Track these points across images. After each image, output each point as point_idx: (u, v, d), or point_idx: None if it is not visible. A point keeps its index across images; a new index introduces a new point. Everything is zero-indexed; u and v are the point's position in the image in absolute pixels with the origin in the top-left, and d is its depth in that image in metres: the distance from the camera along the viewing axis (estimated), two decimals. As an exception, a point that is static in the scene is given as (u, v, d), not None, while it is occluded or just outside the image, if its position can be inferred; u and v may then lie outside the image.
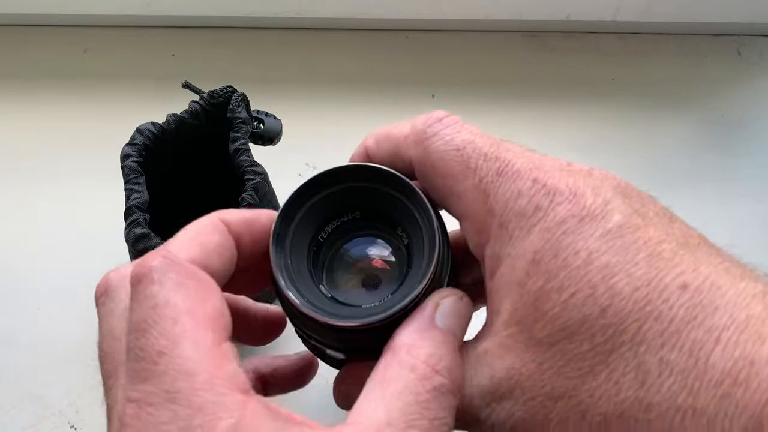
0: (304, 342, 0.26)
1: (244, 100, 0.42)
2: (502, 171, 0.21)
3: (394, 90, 0.61)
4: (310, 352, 0.27)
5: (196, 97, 0.42)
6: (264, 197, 0.40)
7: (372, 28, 0.64)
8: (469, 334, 0.23)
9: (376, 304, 0.23)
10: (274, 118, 0.46)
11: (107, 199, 0.43)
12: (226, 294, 0.22)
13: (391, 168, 0.24)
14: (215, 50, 0.63)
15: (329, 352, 0.24)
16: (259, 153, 0.41)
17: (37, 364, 0.47)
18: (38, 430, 0.45)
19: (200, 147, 0.43)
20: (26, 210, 0.55)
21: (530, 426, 0.20)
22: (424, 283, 0.21)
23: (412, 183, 0.23)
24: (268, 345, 0.29)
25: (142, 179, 0.38)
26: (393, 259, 0.25)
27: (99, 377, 0.21)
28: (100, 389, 0.21)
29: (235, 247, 0.23)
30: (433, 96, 0.61)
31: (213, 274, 0.22)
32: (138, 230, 0.36)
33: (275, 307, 0.28)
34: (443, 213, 0.24)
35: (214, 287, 0.21)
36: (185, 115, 0.41)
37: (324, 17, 0.63)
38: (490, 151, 0.22)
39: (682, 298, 0.18)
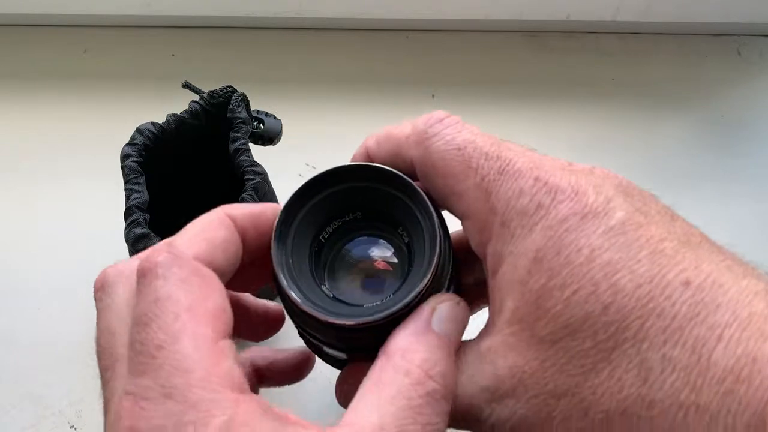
0: (306, 342, 0.26)
1: (244, 100, 0.42)
2: (504, 170, 0.21)
3: (394, 90, 0.61)
4: (306, 348, 0.27)
5: (196, 97, 0.42)
6: (264, 197, 0.40)
7: (372, 28, 0.64)
8: (470, 336, 0.23)
9: (378, 303, 0.23)
10: (274, 118, 0.46)
11: (107, 199, 0.43)
12: (228, 291, 0.22)
13: (392, 168, 0.24)
14: (215, 50, 0.63)
15: (331, 351, 0.24)
16: (259, 153, 0.41)
17: (37, 364, 0.47)
18: (38, 430, 0.45)
19: (200, 147, 0.43)
20: (26, 210, 0.55)
21: (533, 424, 0.20)
22: (426, 281, 0.21)
23: (414, 183, 0.23)
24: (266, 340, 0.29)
25: (142, 179, 0.38)
26: (395, 260, 0.25)
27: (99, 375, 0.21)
28: (100, 388, 0.21)
29: (240, 243, 0.23)
30: (433, 96, 0.61)
31: (218, 270, 0.22)
32: (138, 230, 0.36)
33: (274, 304, 0.28)
34: (445, 214, 0.24)
35: (217, 284, 0.21)
36: (185, 115, 0.41)
37: (324, 17, 0.63)
38: (491, 151, 0.22)
39: (684, 295, 0.18)
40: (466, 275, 0.27)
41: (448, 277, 0.23)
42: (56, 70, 0.63)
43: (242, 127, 0.40)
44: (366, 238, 0.25)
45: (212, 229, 0.22)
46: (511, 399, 0.20)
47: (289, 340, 0.28)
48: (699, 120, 0.60)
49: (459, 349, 0.22)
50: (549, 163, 0.22)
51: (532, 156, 0.22)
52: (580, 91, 0.61)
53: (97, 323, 0.21)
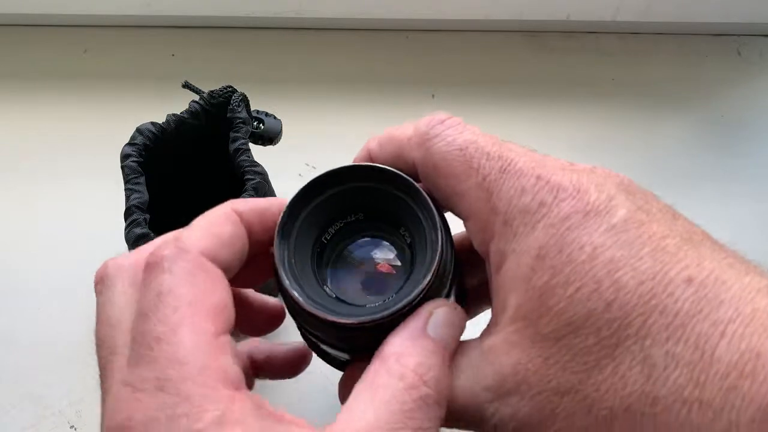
0: (309, 344, 0.26)
1: (244, 100, 0.42)
2: (505, 169, 0.22)
3: (394, 90, 0.61)
4: (303, 344, 0.27)
5: (196, 97, 0.42)
6: (264, 197, 0.40)
7: (372, 28, 0.64)
8: (472, 337, 0.23)
9: (380, 302, 0.23)
10: (274, 118, 0.46)
11: (107, 199, 0.43)
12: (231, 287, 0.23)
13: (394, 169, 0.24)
14: (215, 50, 0.63)
15: (333, 352, 0.24)
16: (259, 153, 0.41)
17: (37, 364, 0.47)
18: (38, 430, 0.45)
19: (200, 147, 0.43)
20: (26, 210, 0.55)
21: (536, 422, 0.20)
22: (427, 280, 0.21)
23: (416, 183, 0.23)
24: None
25: (142, 179, 0.38)
26: (398, 262, 0.25)
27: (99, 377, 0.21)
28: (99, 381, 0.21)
29: (246, 238, 0.23)
30: (433, 96, 0.61)
31: (223, 265, 0.22)
32: (138, 230, 0.36)
33: (275, 300, 0.28)
34: (448, 216, 0.24)
35: (221, 280, 0.21)
36: (185, 115, 0.41)
37: (324, 17, 0.63)
38: (493, 151, 0.22)
39: (687, 292, 0.18)
40: (469, 277, 0.27)
41: (450, 277, 0.23)
42: (56, 70, 0.63)
43: (242, 127, 0.40)
44: (369, 239, 0.26)
45: (219, 225, 0.23)
46: (514, 397, 0.20)
47: (289, 336, 0.28)
48: (699, 120, 0.60)
49: (460, 349, 0.22)
50: (551, 163, 0.22)
51: (533, 156, 0.22)
52: (580, 91, 0.61)
53: (97, 315, 0.22)
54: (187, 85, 0.44)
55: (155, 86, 0.60)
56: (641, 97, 0.61)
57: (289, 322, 0.26)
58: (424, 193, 0.23)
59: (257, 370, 0.29)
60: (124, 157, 0.39)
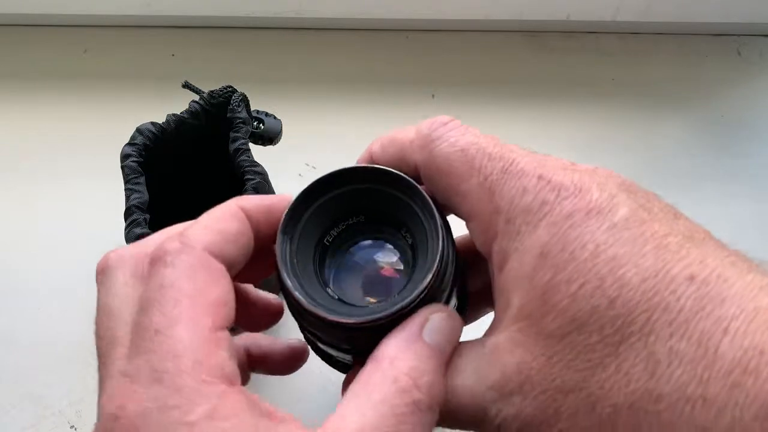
0: (310, 344, 0.26)
1: (244, 100, 0.42)
2: (507, 169, 0.22)
3: (394, 90, 0.61)
4: (300, 342, 0.27)
5: (196, 97, 0.42)
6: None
7: (372, 28, 0.64)
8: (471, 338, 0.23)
9: (382, 303, 0.23)
10: (274, 118, 0.46)
11: (107, 199, 0.43)
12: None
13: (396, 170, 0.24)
14: (215, 50, 0.63)
15: (334, 353, 0.24)
16: (259, 153, 0.41)
17: (37, 364, 0.47)
18: (38, 430, 0.45)
19: (200, 147, 0.43)
20: (26, 210, 0.55)
21: (540, 422, 0.20)
22: (427, 281, 0.21)
23: (417, 185, 0.23)
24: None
25: (142, 179, 0.38)
26: (401, 265, 0.25)
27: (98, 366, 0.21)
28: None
29: (252, 235, 0.24)
30: (433, 96, 0.61)
31: (227, 261, 0.22)
32: (138, 230, 0.36)
33: (275, 296, 0.28)
34: (450, 219, 0.24)
35: (223, 276, 0.21)
36: (185, 115, 0.41)
37: (324, 17, 0.63)
38: (494, 151, 0.22)
39: (689, 289, 0.18)
40: (472, 279, 0.27)
41: (451, 279, 0.23)
42: (56, 70, 0.63)
43: (242, 127, 0.40)
44: (371, 242, 0.26)
45: (225, 221, 0.23)
46: (518, 396, 0.20)
47: (289, 332, 0.28)
48: (699, 120, 0.60)
49: (463, 349, 0.22)
50: (552, 163, 0.22)
51: (535, 156, 0.22)
52: (580, 91, 0.61)
53: (97, 305, 0.22)
54: (187, 85, 0.44)
55: (155, 86, 0.60)
56: (641, 97, 0.61)
57: (290, 321, 0.26)
58: (426, 195, 0.23)
59: (253, 364, 0.29)
60: (124, 157, 0.39)
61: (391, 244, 0.25)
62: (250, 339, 0.29)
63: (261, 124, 0.44)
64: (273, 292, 0.28)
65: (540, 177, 0.21)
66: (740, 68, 0.63)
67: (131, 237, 0.36)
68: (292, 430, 0.19)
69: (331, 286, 0.25)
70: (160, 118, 0.41)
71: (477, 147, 0.22)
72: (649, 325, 0.18)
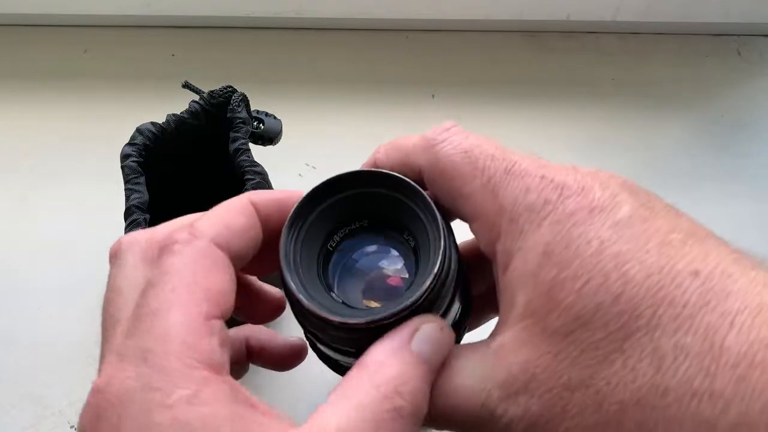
0: (310, 344, 0.26)
1: (244, 100, 0.42)
2: (510, 170, 0.22)
3: (394, 90, 0.61)
4: (300, 340, 0.27)
5: (196, 97, 0.42)
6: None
7: (372, 28, 0.64)
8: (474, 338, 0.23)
9: (382, 305, 0.23)
10: (274, 118, 0.46)
11: (107, 199, 0.43)
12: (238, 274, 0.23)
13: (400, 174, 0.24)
14: (215, 50, 0.63)
15: (333, 355, 0.24)
16: (259, 153, 0.41)
17: (37, 364, 0.47)
18: (38, 430, 0.45)
19: (200, 147, 0.43)
20: (26, 210, 0.55)
21: (546, 420, 0.20)
22: (428, 284, 0.21)
23: (421, 189, 0.24)
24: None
25: (142, 179, 0.38)
26: (405, 273, 0.25)
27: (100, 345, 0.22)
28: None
29: (260, 229, 0.24)
30: (433, 96, 0.61)
31: (234, 254, 0.22)
32: (138, 230, 0.36)
33: (278, 290, 0.28)
34: (454, 225, 0.24)
35: (226, 268, 0.22)
36: (185, 115, 0.41)
37: (324, 17, 0.63)
38: (497, 153, 0.23)
39: (693, 284, 0.18)
40: (476, 283, 0.27)
41: (453, 283, 0.23)
42: (56, 70, 0.63)
43: (242, 127, 0.40)
44: (375, 247, 0.26)
45: (234, 215, 0.23)
46: (524, 395, 0.20)
47: (290, 328, 0.28)
48: (699, 120, 0.60)
49: (469, 350, 0.22)
50: (553, 164, 0.22)
51: (536, 158, 0.23)
52: (580, 91, 0.61)
53: (107, 286, 0.23)
54: (187, 85, 0.44)
55: (155, 86, 0.60)
56: (641, 97, 0.61)
57: (292, 315, 0.26)
58: (429, 199, 0.23)
59: (252, 355, 0.29)
60: (124, 157, 0.39)
61: (394, 248, 0.25)
62: (252, 330, 0.29)
63: (261, 124, 0.44)
64: (277, 287, 0.28)
65: (543, 177, 0.21)
66: (740, 68, 0.63)
67: (131, 237, 0.36)
68: (270, 423, 0.19)
69: (335, 290, 0.25)
70: (160, 118, 0.41)
71: (480, 149, 0.23)
72: (655, 320, 0.18)
